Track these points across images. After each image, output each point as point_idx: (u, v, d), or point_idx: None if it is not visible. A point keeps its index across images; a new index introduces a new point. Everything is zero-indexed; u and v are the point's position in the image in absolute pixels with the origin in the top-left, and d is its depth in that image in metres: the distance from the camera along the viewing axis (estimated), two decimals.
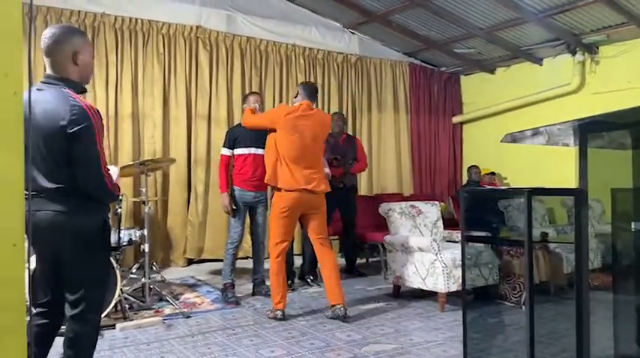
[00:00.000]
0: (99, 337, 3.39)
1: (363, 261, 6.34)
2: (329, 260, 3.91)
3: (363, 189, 7.47)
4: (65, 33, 2.09)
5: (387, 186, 7.81)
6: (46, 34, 2.05)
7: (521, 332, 2.95)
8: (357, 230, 5.75)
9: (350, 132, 6.62)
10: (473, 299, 4.34)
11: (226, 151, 4.58)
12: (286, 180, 3.82)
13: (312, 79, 7.24)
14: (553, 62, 7.26)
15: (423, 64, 8.35)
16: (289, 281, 4.81)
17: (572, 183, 2.11)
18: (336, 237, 6.17)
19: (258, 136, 4.51)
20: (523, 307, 3.74)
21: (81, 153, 1.95)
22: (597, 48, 6.76)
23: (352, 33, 7.63)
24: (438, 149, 8.40)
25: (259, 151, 4.49)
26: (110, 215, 3.95)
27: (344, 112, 7.17)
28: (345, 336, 3.47)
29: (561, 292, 4.57)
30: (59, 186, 1.98)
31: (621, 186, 2.10)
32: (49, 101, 1.96)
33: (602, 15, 5.99)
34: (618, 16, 5.90)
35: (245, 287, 4.89)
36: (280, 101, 6.99)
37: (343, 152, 5.53)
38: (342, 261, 5.96)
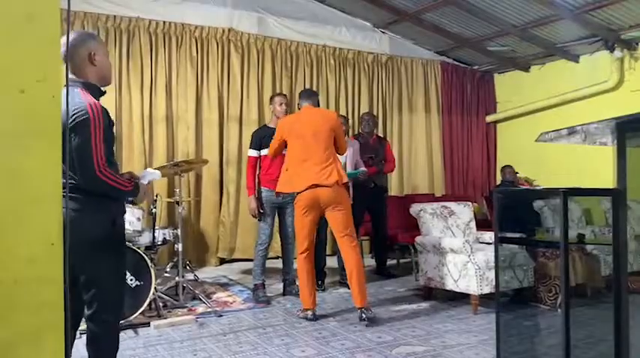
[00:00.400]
0: (135, 335, 3.50)
1: (394, 261, 6.30)
2: (350, 259, 3.83)
3: (393, 190, 7.43)
4: (80, 36, 2.16)
5: (419, 187, 7.74)
6: (62, 41, 2.11)
7: (556, 335, 2.88)
8: (387, 230, 5.71)
9: (380, 133, 6.59)
10: (507, 302, 4.26)
11: (253, 152, 4.58)
12: (298, 182, 3.87)
13: (343, 80, 7.26)
14: (590, 59, 7.06)
15: (455, 63, 8.24)
16: (319, 282, 4.82)
17: (610, 183, 2.05)
18: (367, 237, 6.15)
19: None
20: (559, 310, 3.65)
21: (76, 146, 1.95)
22: (637, 44, 6.55)
23: (383, 32, 7.60)
24: (471, 149, 8.27)
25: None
26: (142, 214, 4.07)
27: (374, 113, 7.14)
28: (375, 337, 3.45)
29: (599, 295, 4.44)
30: (70, 183, 2.02)
31: None
32: (63, 102, 2.01)
33: None
34: None
35: (275, 286, 4.92)
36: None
37: (374, 152, 5.52)
38: (373, 262, 5.94)
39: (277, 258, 6.33)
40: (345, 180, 3.94)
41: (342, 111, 7.00)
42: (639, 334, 2.06)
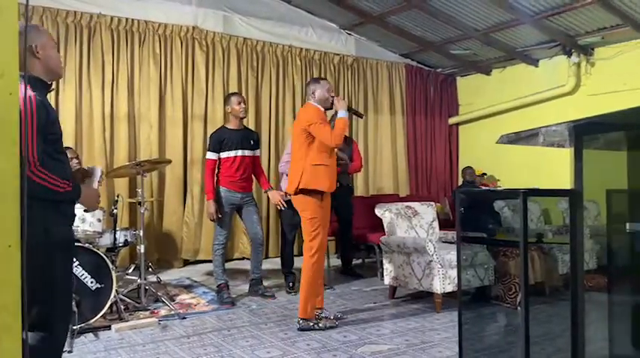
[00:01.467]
0: (95, 338, 3.41)
1: (359, 261, 6.34)
2: (302, 267, 3.69)
3: (359, 190, 7.49)
4: (22, 27, 2.09)
5: (384, 187, 7.83)
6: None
7: (516, 332, 2.96)
8: (353, 230, 5.75)
9: (347, 133, 6.62)
10: (469, 300, 4.35)
11: (212, 155, 4.46)
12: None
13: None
14: (549, 63, 7.29)
15: (419, 66, 8.37)
16: (290, 284, 4.80)
17: (568, 184, 2.12)
18: (333, 237, 6.17)
19: (244, 138, 4.50)
20: (519, 308, 3.75)
21: None
22: (592, 49, 6.80)
23: (349, 34, 7.65)
24: (434, 150, 8.42)
25: (245, 152, 4.48)
26: (103, 215, 3.97)
27: None
28: (341, 337, 3.47)
29: (556, 293, 4.59)
30: None
31: (616, 188, 2.11)
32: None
33: (597, 17, 6.02)
34: (613, 18, 5.94)
35: (241, 287, 4.88)
36: (277, 102, 7.00)
37: (342, 151, 5.53)
38: (339, 262, 5.97)
39: (243, 258, 6.31)
40: (305, 186, 3.60)
41: None
42: (595, 330, 2.13)
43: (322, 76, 7.38)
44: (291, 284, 4.78)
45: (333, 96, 3.72)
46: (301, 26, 7.24)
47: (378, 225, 4.96)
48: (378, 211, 4.68)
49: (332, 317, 3.76)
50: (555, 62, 7.13)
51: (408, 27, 7.15)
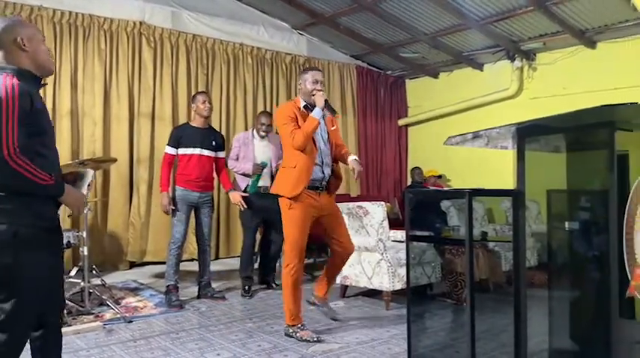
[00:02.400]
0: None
1: (311, 261, 6.35)
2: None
3: None
4: (7, 21, 2.02)
5: None
6: None
7: (462, 328, 3.05)
8: None
9: None
10: (417, 297, 4.44)
11: (170, 150, 4.42)
12: None
13: (261, 79, 7.21)
14: (493, 68, 7.55)
15: (370, 67, 8.48)
16: (245, 287, 4.71)
17: (511, 184, 2.20)
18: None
19: (204, 137, 4.44)
20: (464, 304, 3.86)
21: None
22: (534, 55, 7.09)
23: (300, 34, 7.65)
24: (384, 151, 8.55)
25: (205, 152, 4.41)
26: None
27: None
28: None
29: (500, 289, 4.75)
30: None
31: (556, 188, 2.20)
32: None
33: (538, 23, 6.29)
34: (554, 25, 6.21)
35: (190, 290, 4.79)
36: (228, 101, 6.91)
37: None
38: None
39: (192, 260, 6.18)
40: (272, 190, 3.58)
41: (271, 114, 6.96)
42: (536, 325, 2.22)
43: (274, 75, 7.36)
44: (246, 287, 4.71)
45: (315, 90, 3.43)
46: (252, 24, 7.19)
47: None
48: None
49: (313, 333, 3.44)
50: (499, 66, 7.39)
51: (359, 29, 7.23)
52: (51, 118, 4.58)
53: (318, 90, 3.43)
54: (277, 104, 7.35)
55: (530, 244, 5.15)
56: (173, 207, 4.35)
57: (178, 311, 4.14)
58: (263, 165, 4.76)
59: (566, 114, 1.79)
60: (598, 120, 1.87)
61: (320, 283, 3.77)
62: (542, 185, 2.24)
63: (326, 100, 3.40)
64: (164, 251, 5.44)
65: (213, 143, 4.49)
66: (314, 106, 3.41)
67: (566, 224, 2.11)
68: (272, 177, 4.79)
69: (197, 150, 4.39)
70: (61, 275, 2.25)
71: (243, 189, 4.76)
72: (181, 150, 4.39)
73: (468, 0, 5.94)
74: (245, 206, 4.61)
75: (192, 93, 6.56)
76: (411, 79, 8.74)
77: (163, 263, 4.94)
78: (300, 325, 3.43)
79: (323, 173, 3.47)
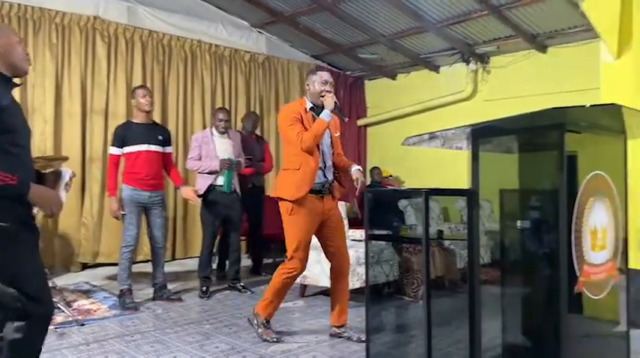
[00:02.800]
0: None
1: (270, 260, 6.33)
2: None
3: (270, 190, 7.46)
4: None
5: None
6: None
7: (419, 325, 3.11)
8: (265, 230, 5.73)
9: (258, 131, 6.59)
10: (375, 295, 4.49)
11: (115, 150, 4.24)
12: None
13: (219, 77, 7.12)
14: (449, 70, 7.71)
15: (330, 67, 8.50)
16: (203, 288, 4.64)
17: (465, 184, 2.26)
18: (244, 237, 6.10)
19: (149, 132, 4.29)
20: (420, 301, 3.93)
21: None
22: (488, 58, 7.29)
23: (260, 32, 7.60)
24: (344, 151, 8.52)
25: (152, 148, 4.27)
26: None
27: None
28: (250, 338, 3.44)
29: (455, 286, 4.87)
30: None
31: (509, 188, 2.27)
32: None
33: (492, 27, 6.46)
34: (507, 29, 6.40)
35: (145, 291, 4.69)
36: (185, 98, 6.79)
37: (253, 152, 5.50)
38: (250, 262, 5.92)
39: (147, 261, 6.05)
40: (274, 194, 3.43)
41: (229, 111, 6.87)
42: (490, 321, 2.29)
43: (232, 73, 7.28)
44: (204, 288, 4.64)
45: (324, 92, 3.29)
46: (210, 21, 7.09)
47: None
48: None
49: (274, 333, 3.40)
50: (455, 69, 7.56)
51: (319, 29, 7.25)
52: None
53: (328, 91, 3.29)
54: (236, 102, 7.29)
55: (483, 242, 5.30)
56: (123, 213, 4.20)
57: (133, 313, 4.04)
58: (230, 161, 4.65)
59: (519, 116, 1.85)
60: (549, 123, 1.94)
61: (332, 312, 3.51)
62: (495, 185, 2.30)
63: (335, 102, 3.27)
64: (118, 252, 5.28)
65: (160, 138, 4.35)
66: (321, 108, 3.29)
67: (518, 222, 2.19)
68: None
69: (144, 147, 4.24)
70: (40, 274, 2.15)
71: (205, 188, 4.64)
72: (127, 149, 4.22)
73: (425, 3, 6.06)
74: (198, 201, 4.51)
75: (149, 88, 6.43)
76: (369, 79, 8.82)
77: (117, 264, 4.80)
78: (265, 320, 3.39)
79: (325, 177, 3.36)
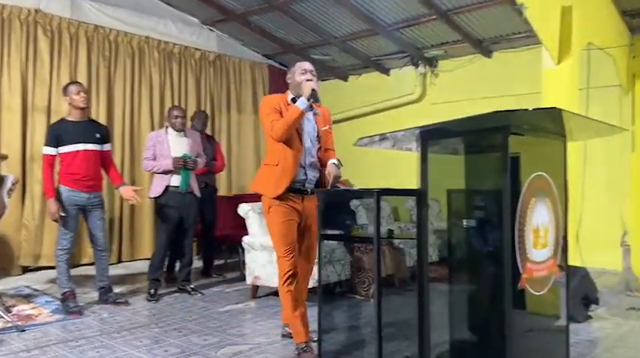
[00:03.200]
0: None
1: (222, 262, 6.26)
2: None
3: (222, 190, 7.37)
4: None
5: (247, 187, 7.80)
6: None
7: (370, 323, 3.15)
8: (216, 230, 5.65)
9: (209, 131, 6.50)
10: (327, 295, 4.52)
11: (50, 150, 4.03)
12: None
13: (168, 74, 6.97)
14: (399, 73, 7.85)
15: (282, 67, 8.48)
16: (151, 291, 4.53)
17: (414, 184, 2.31)
18: (195, 238, 6.00)
19: (88, 131, 4.13)
20: (371, 300, 3.98)
21: None
22: (437, 62, 7.47)
23: (211, 30, 7.49)
24: None
25: (90, 146, 4.11)
26: None
27: (203, 110, 7.02)
28: (201, 340, 3.39)
29: (405, 284, 4.97)
30: None
31: (455, 188, 2.34)
32: None
33: (441, 32, 6.63)
34: (454, 34, 6.58)
35: (90, 295, 4.53)
36: (132, 96, 6.61)
37: (204, 150, 5.40)
38: (200, 263, 5.83)
39: (93, 264, 5.85)
40: (252, 188, 3.28)
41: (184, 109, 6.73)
42: (439, 317, 2.35)
43: (182, 71, 7.14)
44: (152, 291, 4.52)
45: (304, 80, 3.06)
46: (159, 18, 6.93)
47: (241, 224, 4.93)
48: (241, 211, 4.66)
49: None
50: (404, 72, 7.71)
51: (271, 28, 7.22)
52: None
53: (308, 79, 3.05)
54: (186, 101, 7.15)
55: (432, 241, 5.46)
56: (63, 214, 4.03)
57: (77, 317, 3.90)
58: (185, 158, 4.50)
59: (465, 118, 1.91)
60: (493, 125, 2.02)
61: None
62: (443, 185, 2.37)
63: (313, 89, 2.98)
64: None
65: (97, 136, 4.18)
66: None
67: (465, 221, 2.26)
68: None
69: (81, 146, 4.06)
70: None
71: (163, 190, 4.51)
72: (63, 149, 4.04)
73: (376, 7, 6.15)
74: (139, 200, 4.38)
75: (94, 86, 6.23)
76: (322, 80, 8.82)
77: None
78: (304, 345, 3.01)
79: (305, 175, 3.12)
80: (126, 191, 4.32)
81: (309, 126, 3.18)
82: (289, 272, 3.04)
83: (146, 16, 6.78)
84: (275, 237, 3.10)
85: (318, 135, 3.22)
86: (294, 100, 3.11)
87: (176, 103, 6.97)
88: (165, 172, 4.51)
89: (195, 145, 4.74)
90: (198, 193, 4.69)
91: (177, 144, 4.61)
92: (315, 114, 3.20)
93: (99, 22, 6.32)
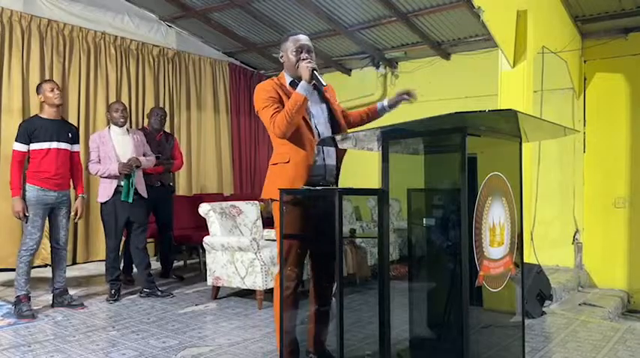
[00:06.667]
0: None
1: (181, 263, 6.16)
2: None
3: (182, 189, 7.26)
4: None
5: (207, 186, 7.71)
6: None
7: (332, 322, 3.16)
8: (174, 231, 5.55)
9: (168, 129, 6.38)
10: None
11: (21, 147, 3.93)
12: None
13: (125, 71, 6.80)
14: (360, 73, 7.92)
15: (243, 65, 8.42)
16: (112, 291, 4.42)
17: (376, 183, 2.33)
18: (152, 239, 5.88)
19: (59, 128, 4.04)
20: (333, 298, 4.00)
21: None
22: (397, 63, 7.57)
23: (169, 26, 7.35)
24: (258, 150, 8.56)
25: (62, 145, 4.03)
26: None
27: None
28: (159, 343, 3.32)
29: (366, 283, 5.01)
30: None
31: (415, 187, 2.38)
32: None
33: (400, 34, 6.73)
34: (414, 36, 6.69)
35: (43, 298, 4.38)
36: (87, 93, 6.42)
37: (161, 149, 5.31)
38: (158, 265, 5.71)
39: (47, 265, 5.65)
40: (264, 195, 2.82)
41: (126, 105, 6.54)
42: (399, 315, 2.38)
43: (140, 67, 6.98)
44: (112, 292, 4.42)
45: (300, 61, 2.61)
46: (116, 13, 6.76)
47: (201, 224, 4.87)
48: (202, 210, 4.60)
49: None
50: (365, 72, 7.78)
51: (232, 25, 7.15)
52: None
53: (303, 59, 2.60)
54: (143, 98, 7.00)
55: (392, 239, 5.51)
56: (28, 214, 3.89)
57: (30, 321, 3.76)
58: (133, 164, 4.38)
59: (424, 119, 1.94)
60: (451, 126, 2.05)
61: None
62: (403, 184, 2.40)
63: (313, 69, 2.54)
64: (11, 257, 4.91)
65: (69, 135, 4.11)
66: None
67: (424, 220, 2.29)
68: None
69: (54, 144, 3.99)
70: None
71: (112, 194, 4.39)
72: (35, 146, 3.94)
73: (338, 7, 6.17)
74: (77, 216, 4.24)
75: (56, 81, 6.01)
76: None
77: (11, 270, 4.46)
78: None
79: (325, 166, 2.68)
80: (77, 204, 4.23)
81: (317, 109, 2.72)
82: (292, 283, 2.73)
83: (102, 11, 6.60)
84: (287, 244, 2.65)
85: (330, 115, 2.78)
86: (293, 84, 2.67)
87: (133, 101, 6.84)
88: (110, 177, 4.40)
89: (139, 145, 4.63)
90: (144, 193, 4.57)
91: (122, 144, 4.49)
92: (321, 90, 2.73)
93: (52, 17, 6.11)
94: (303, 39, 2.70)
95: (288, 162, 2.60)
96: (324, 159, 2.68)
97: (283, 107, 2.55)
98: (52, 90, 4.03)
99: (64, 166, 4.08)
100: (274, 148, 2.70)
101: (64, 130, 4.10)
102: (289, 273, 2.65)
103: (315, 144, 2.62)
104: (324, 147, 2.67)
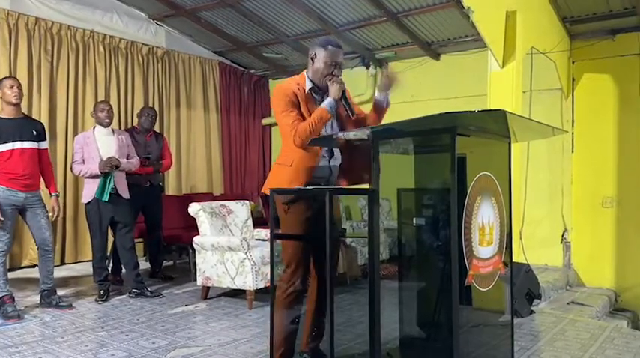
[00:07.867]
0: None
1: (171, 263, 6.13)
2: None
3: (171, 189, 7.23)
4: None
5: (197, 186, 7.68)
6: None
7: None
8: (163, 231, 5.52)
9: (157, 128, 6.34)
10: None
11: None
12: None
13: (114, 70, 6.76)
14: (350, 73, 7.89)
15: (233, 65, 8.40)
16: (101, 291, 4.40)
17: (366, 183, 2.34)
18: (141, 239, 5.85)
19: (22, 127, 3.93)
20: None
21: None
22: (387, 63, 7.58)
23: (159, 25, 7.31)
24: (248, 149, 8.54)
25: (26, 144, 3.92)
26: None
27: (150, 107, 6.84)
28: (149, 344, 3.31)
29: (356, 282, 5.02)
30: None
31: (406, 187, 2.38)
32: None
33: (391, 34, 6.74)
34: (404, 36, 6.70)
35: (31, 298, 4.34)
36: (76, 91, 6.37)
37: (150, 150, 5.28)
38: (148, 265, 5.68)
39: (35, 266, 5.60)
40: (263, 191, 2.77)
41: (115, 104, 6.52)
42: (389, 314, 2.39)
43: (129, 66, 6.94)
44: (101, 292, 4.39)
45: (329, 75, 2.61)
46: (105, 11, 6.71)
47: (191, 224, 4.85)
48: (191, 210, 4.58)
49: None
50: (356, 72, 7.77)
51: (222, 25, 7.12)
52: None
53: (335, 76, 2.60)
54: (132, 97, 6.96)
55: (382, 239, 5.54)
56: (2, 218, 3.82)
57: (17, 322, 3.72)
58: (113, 163, 4.33)
59: (414, 119, 1.95)
60: (441, 126, 2.06)
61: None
62: (393, 184, 2.41)
63: (343, 92, 2.58)
64: None
65: (34, 132, 3.99)
66: (323, 91, 2.63)
67: (414, 220, 2.30)
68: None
69: (17, 144, 3.88)
70: None
71: (93, 197, 4.35)
72: (1, 148, 3.83)
73: (328, 7, 6.17)
74: (55, 215, 4.17)
75: (35, 82, 5.97)
76: (273, 79, 8.82)
77: None
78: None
79: (330, 169, 2.66)
80: (53, 204, 4.17)
81: (329, 124, 2.68)
82: (293, 284, 2.69)
83: (91, 10, 6.55)
84: (287, 245, 2.70)
85: (340, 122, 2.73)
86: (313, 90, 2.67)
87: (122, 100, 6.80)
88: (95, 176, 4.36)
89: (125, 146, 4.58)
90: (125, 194, 4.51)
91: (106, 144, 4.44)
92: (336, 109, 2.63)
93: (41, 15, 6.06)
94: (341, 55, 2.71)
95: (290, 165, 2.61)
96: (328, 160, 2.67)
97: (300, 112, 2.56)
98: (12, 88, 3.90)
99: (32, 166, 3.97)
100: (282, 148, 2.68)
101: (28, 128, 3.98)
102: (293, 274, 2.66)
103: (320, 152, 2.62)
104: (334, 152, 2.68)
